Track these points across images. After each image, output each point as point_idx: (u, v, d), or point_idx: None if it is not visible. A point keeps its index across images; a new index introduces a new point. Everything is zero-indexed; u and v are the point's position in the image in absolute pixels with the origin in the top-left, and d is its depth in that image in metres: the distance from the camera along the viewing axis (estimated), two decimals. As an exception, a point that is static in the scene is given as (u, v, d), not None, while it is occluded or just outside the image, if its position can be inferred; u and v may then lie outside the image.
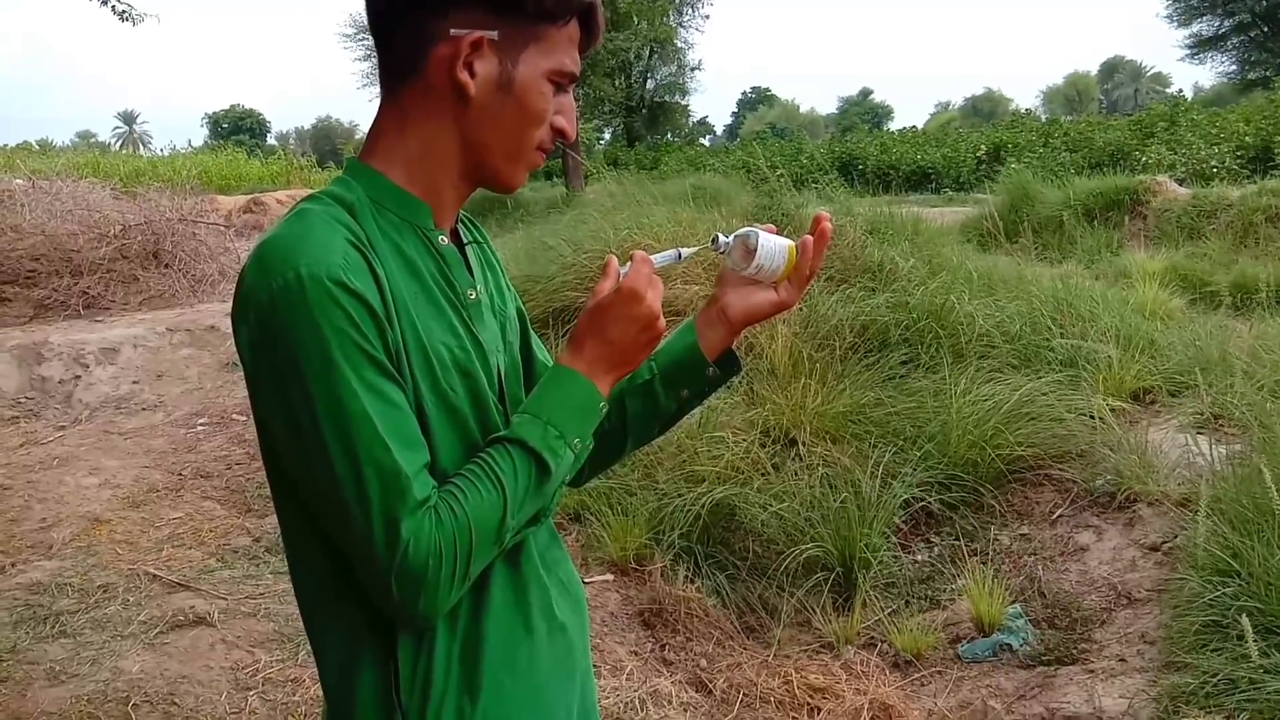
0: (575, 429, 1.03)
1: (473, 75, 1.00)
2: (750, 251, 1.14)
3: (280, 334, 0.90)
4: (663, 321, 1.06)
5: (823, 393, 4.51)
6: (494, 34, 0.99)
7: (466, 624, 1.03)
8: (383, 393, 0.93)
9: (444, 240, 1.06)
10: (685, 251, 1.16)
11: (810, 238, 1.18)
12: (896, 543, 3.88)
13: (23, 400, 6.80)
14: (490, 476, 0.97)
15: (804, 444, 4.19)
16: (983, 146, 22.33)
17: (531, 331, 1.27)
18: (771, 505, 3.77)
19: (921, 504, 3.99)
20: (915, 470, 3.99)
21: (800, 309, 5.22)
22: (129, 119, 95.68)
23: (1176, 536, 3.40)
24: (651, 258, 1.09)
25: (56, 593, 3.77)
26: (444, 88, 1.01)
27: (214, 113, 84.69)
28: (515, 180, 1.09)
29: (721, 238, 1.15)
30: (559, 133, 1.09)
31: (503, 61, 1.01)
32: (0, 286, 8.71)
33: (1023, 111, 35.73)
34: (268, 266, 0.92)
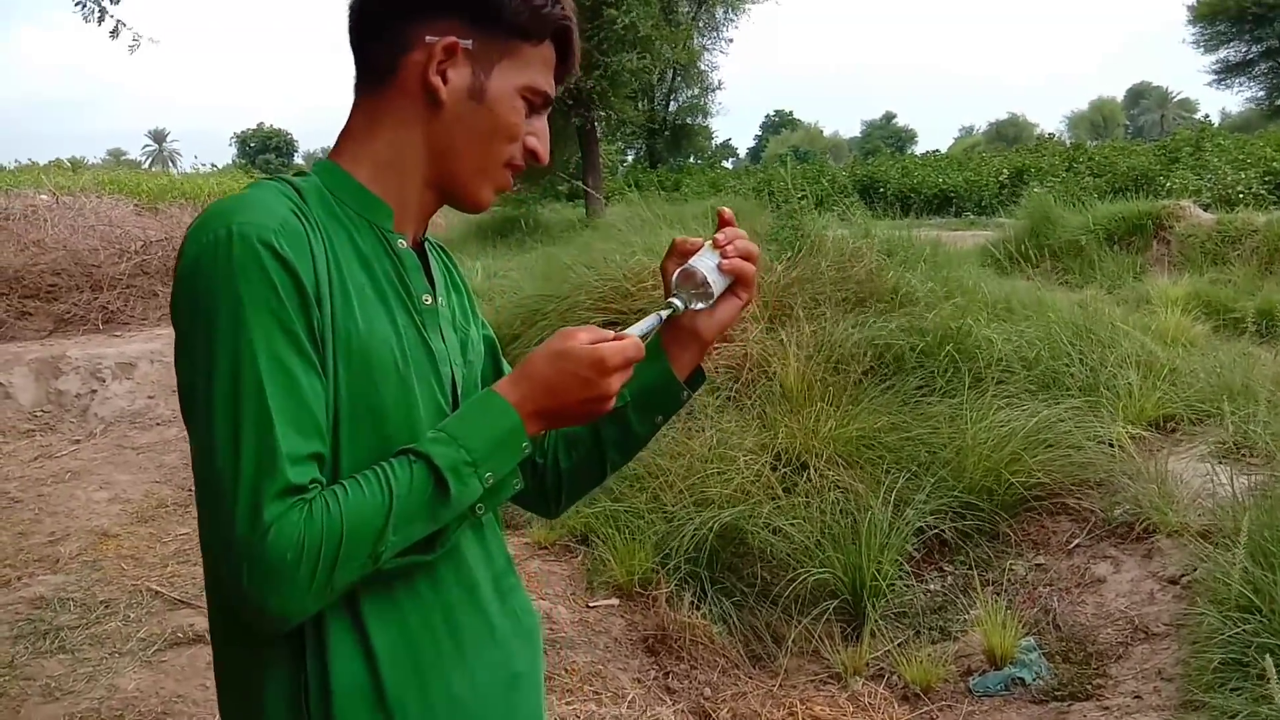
0: (490, 462, 0.97)
1: (445, 82, 1.01)
2: (702, 283, 1.12)
3: (200, 288, 0.89)
4: (610, 405, 1.01)
5: (836, 416, 4.44)
6: (468, 42, 1.00)
7: (391, 643, 0.97)
8: (287, 367, 0.89)
9: (403, 244, 1.04)
10: (661, 315, 1.12)
11: (719, 235, 1.14)
12: (908, 571, 3.80)
13: (39, 414, 6.83)
14: (380, 483, 0.91)
15: (816, 468, 4.12)
16: (1005, 170, 22.23)
17: (505, 364, 1.24)
18: (781, 529, 3.71)
19: (935, 531, 3.91)
20: (929, 497, 3.91)
21: (814, 331, 5.17)
22: (159, 137, 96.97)
23: (1196, 569, 3.30)
24: (635, 328, 1.06)
25: (59, 607, 3.75)
26: (416, 93, 1.01)
27: (242, 132, 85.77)
28: (481, 196, 1.08)
29: (676, 301, 1.13)
30: (531, 154, 1.08)
31: (476, 71, 1.02)
32: (21, 300, 8.78)
33: (1047, 136, 35.60)
34: (203, 223, 0.91)
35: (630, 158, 38.70)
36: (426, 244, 1.14)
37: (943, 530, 3.90)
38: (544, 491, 1.26)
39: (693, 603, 3.55)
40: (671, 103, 33.13)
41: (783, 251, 6.10)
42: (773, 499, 3.92)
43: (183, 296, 0.90)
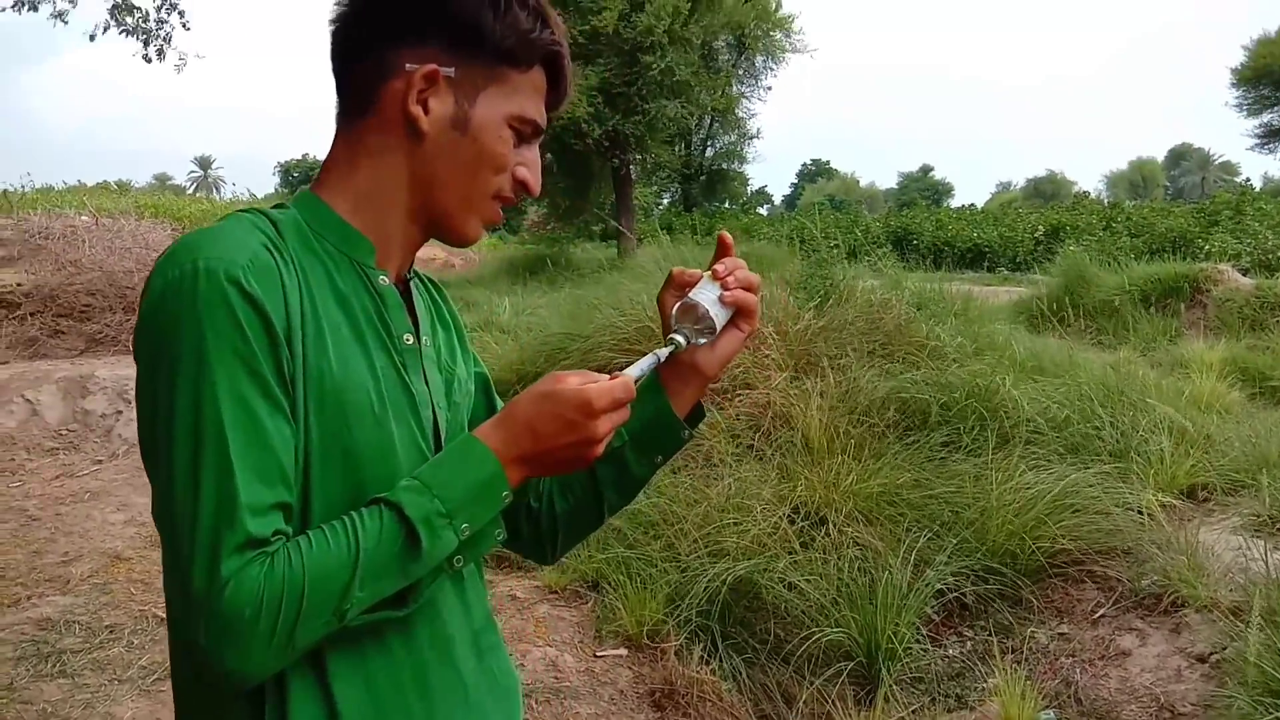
0: (467, 512, 0.91)
1: (427, 111, 0.97)
2: (703, 316, 1.08)
3: (163, 326, 0.85)
4: (600, 450, 0.96)
5: (857, 470, 4.36)
6: (451, 70, 0.97)
7: (356, 703, 0.92)
8: (252, 411, 0.84)
9: (385, 281, 1.00)
10: (661, 354, 1.07)
11: (719, 266, 1.09)
12: (926, 634, 3.69)
13: (64, 432, 6.87)
14: (347, 535, 0.86)
15: (835, 523, 4.03)
16: (1041, 227, 22.11)
17: (498, 400, 1.20)
18: (796, 585, 3.62)
19: (955, 594, 3.80)
20: (950, 558, 3.81)
21: (839, 382, 5.10)
22: (205, 164, 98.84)
23: (1226, 648, 3.18)
24: (631, 369, 1.01)
25: (64, 630, 3.72)
26: (397, 122, 0.97)
27: (285, 162, 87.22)
28: (468, 229, 1.03)
29: (678, 337, 1.08)
30: (521, 185, 1.03)
31: (459, 100, 0.98)
32: (55, 319, 8.90)
33: (1084, 195, 35.41)
34: (170, 257, 0.88)
35: (665, 201, 38.90)
36: (413, 279, 1.09)
37: (963, 593, 3.79)
38: (539, 535, 1.20)
39: (703, 657, 3.46)
40: (708, 148, 33.30)
41: (811, 299, 6.05)
42: (789, 553, 3.83)
43: (145, 333, 0.87)
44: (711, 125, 30.53)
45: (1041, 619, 3.78)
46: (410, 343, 1.00)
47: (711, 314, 1.07)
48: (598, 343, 5.52)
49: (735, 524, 3.93)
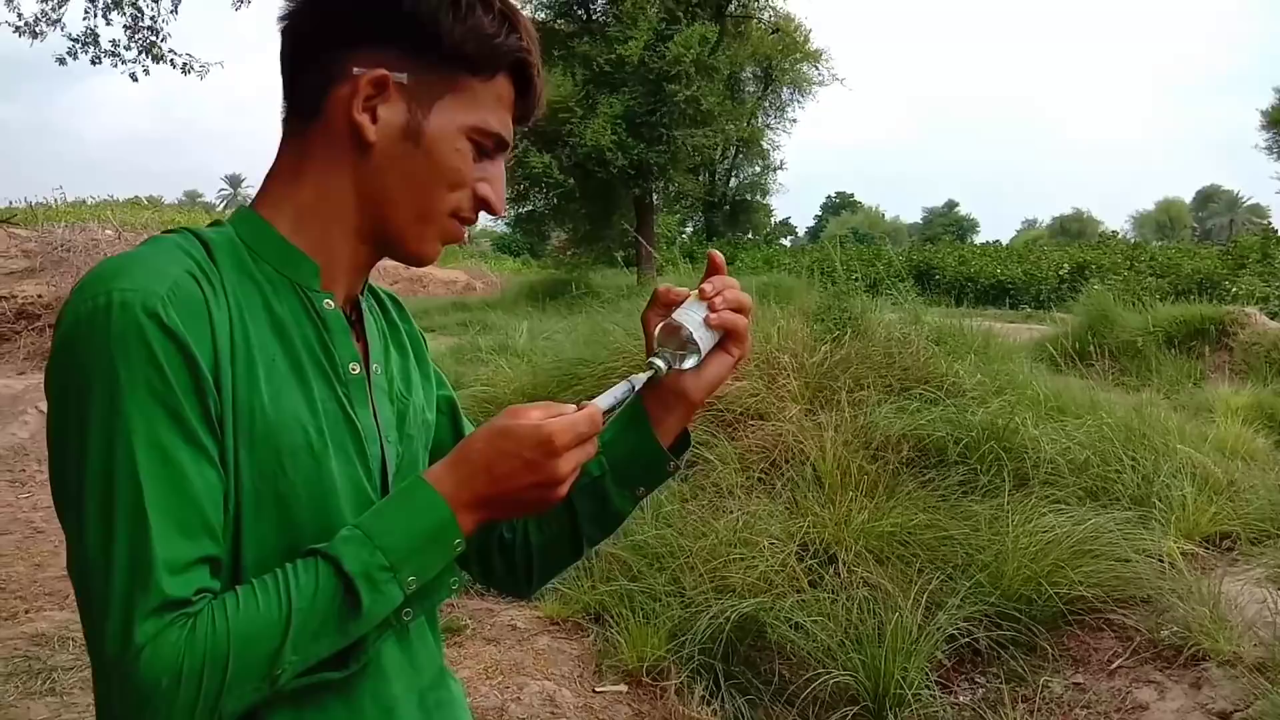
0: (413, 564, 0.83)
1: (375, 120, 0.89)
2: (687, 339, 0.99)
3: (73, 365, 0.77)
4: (564, 490, 0.88)
5: (870, 508, 4.26)
6: (402, 76, 0.89)
7: None
8: (171, 458, 0.77)
9: (330, 305, 0.92)
10: (637, 381, 0.98)
11: (706, 286, 1.01)
12: (936, 680, 3.57)
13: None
14: (279, 592, 0.79)
15: (845, 562, 3.93)
16: (1066, 265, 21.94)
17: (467, 424, 1.12)
18: (803, 625, 3.52)
19: (967, 639, 3.68)
20: (963, 602, 3.70)
21: (854, 416, 5.01)
22: (235, 182, 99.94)
23: (1250, 706, 3.05)
24: (601, 398, 0.93)
25: (57, 646, 3.68)
26: (343, 132, 0.89)
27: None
28: (424, 248, 0.95)
29: (658, 362, 1.00)
30: (482, 202, 0.95)
31: (412, 109, 0.90)
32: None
33: (1111, 234, 35.20)
34: (83, 287, 0.79)
35: (689, 230, 38.98)
36: (367, 300, 1.02)
37: (976, 639, 3.68)
38: (512, 569, 1.12)
39: (704, 697, 3.36)
40: (732, 178, 33.39)
41: (829, 331, 5.98)
42: (796, 591, 3.74)
43: (54, 373, 0.79)
44: (736, 156, 30.63)
45: (1056, 668, 3.66)
46: (357, 372, 0.93)
47: (695, 337, 0.99)
48: (611, 368, 5.46)
49: (742, 559, 3.84)
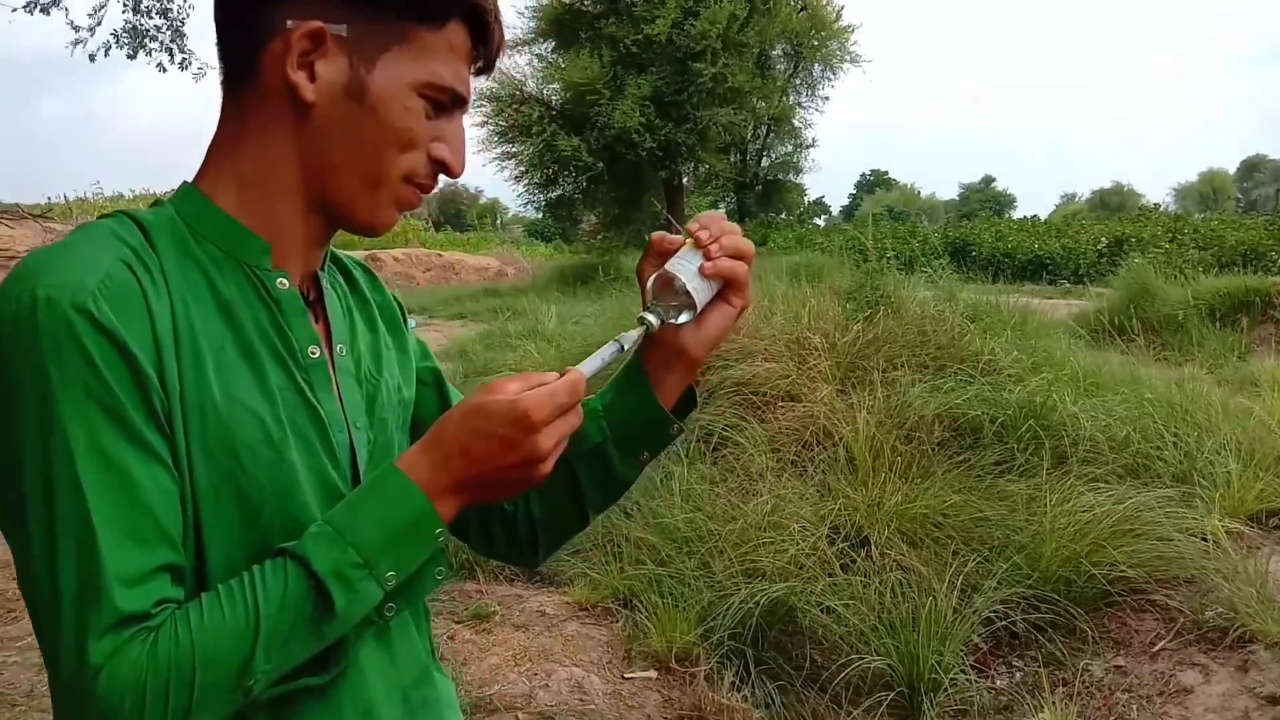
0: (390, 558, 0.78)
1: (313, 78, 0.81)
2: (681, 291, 0.92)
3: (1, 370, 0.71)
4: (548, 466, 0.81)
5: (904, 489, 4.18)
6: (341, 28, 0.80)
7: None
8: (116, 463, 0.71)
9: (283, 284, 0.85)
10: (627, 339, 0.92)
11: (701, 232, 0.92)
12: (972, 664, 3.50)
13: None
14: (245, 599, 0.73)
15: (878, 544, 3.86)
16: (1104, 239, 21.53)
17: (455, 393, 1.06)
18: (834, 610, 3.46)
19: (1005, 622, 3.60)
20: (1000, 584, 3.62)
21: (887, 396, 4.92)
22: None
23: (1299, 689, 2.96)
24: (587, 362, 0.86)
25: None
26: (279, 92, 0.81)
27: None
28: (377, 217, 0.87)
29: (650, 316, 0.93)
30: (439, 164, 0.87)
31: (354, 64, 0.81)
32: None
33: (1152, 207, 34.55)
34: (9, 286, 0.73)
35: (720, 211, 38.68)
36: (329, 276, 0.95)
37: (1013, 621, 3.60)
38: (515, 540, 1.06)
39: (734, 683, 3.32)
40: (763, 158, 33.09)
41: (861, 310, 5.89)
42: (828, 575, 3.68)
43: None
44: (767, 135, 30.34)
45: (1096, 650, 3.57)
46: (317, 355, 0.86)
47: (690, 288, 0.91)
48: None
49: (772, 543, 3.79)
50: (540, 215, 32.54)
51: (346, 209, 0.86)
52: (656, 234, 0.96)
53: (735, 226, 0.95)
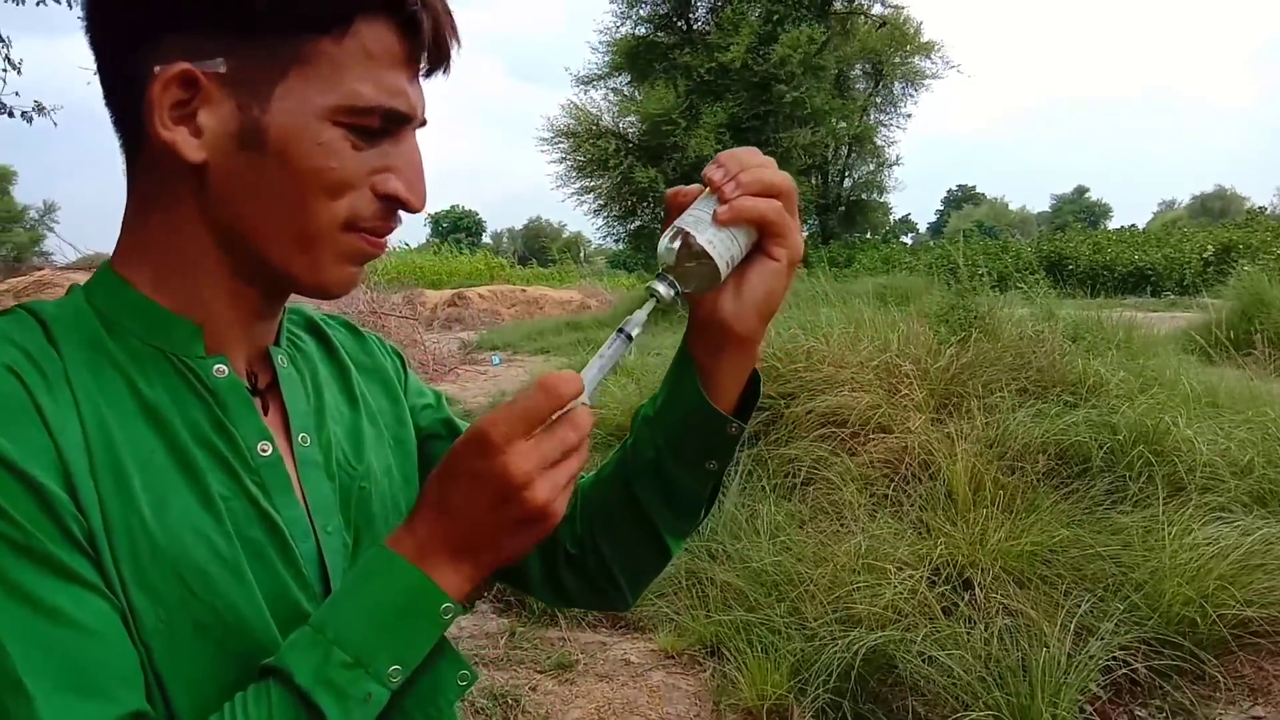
0: (388, 649, 0.64)
1: (198, 132, 0.66)
2: (697, 253, 0.72)
3: None
4: (534, 492, 0.65)
5: (1008, 525, 3.93)
6: (217, 63, 0.65)
7: None
8: (39, 602, 0.58)
9: (221, 371, 0.72)
10: (632, 324, 0.74)
11: (715, 172, 0.74)
12: (1091, 714, 3.24)
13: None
14: None
15: (982, 586, 3.62)
16: (1210, 247, 20.62)
17: None
18: (938, 658, 3.23)
19: (1126, 670, 3.33)
20: (1118, 627, 3.35)
21: (986, 424, 4.67)
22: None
23: None
24: (590, 367, 0.70)
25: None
26: (169, 155, 0.67)
27: (435, 213, 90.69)
28: (324, 278, 0.72)
29: (658, 286, 0.74)
30: (389, 199, 0.71)
31: (242, 104, 0.66)
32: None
33: (1258, 210, 33.05)
34: None
35: (804, 234, 38.39)
36: (288, 350, 0.82)
37: (1134, 668, 3.32)
38: (592, 584, 0.92)
39: (831, 739, 3.12)
40: (846, 179, 32.72)
41: (954, 333, 5.64)
42: (929, 620, 3.45)
43: None
44: (848, 155, 30.01)
45: (1231, 698, 3.27)
46: (268, 452, 0.73)
47: (702, 243, 0.72)
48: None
49: (867, 586, 3.58)
50: (621, 247, 32.71)
51: (285, 274, 0.72)
52: (671, 189, 0.78)
53: (765, 159, 0.75)
